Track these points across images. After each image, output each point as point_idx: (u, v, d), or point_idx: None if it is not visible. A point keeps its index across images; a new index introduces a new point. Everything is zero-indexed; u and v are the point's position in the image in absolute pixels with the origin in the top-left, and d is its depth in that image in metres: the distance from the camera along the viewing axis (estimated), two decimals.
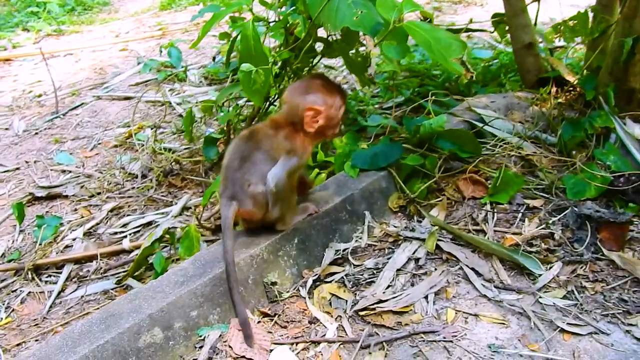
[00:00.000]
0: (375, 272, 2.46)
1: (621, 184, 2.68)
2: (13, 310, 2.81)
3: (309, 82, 2.49)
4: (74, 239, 3.27)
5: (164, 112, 4.69)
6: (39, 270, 3.04)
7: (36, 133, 4.90)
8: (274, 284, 2.38)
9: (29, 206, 3.70)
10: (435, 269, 2.44)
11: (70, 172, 4.11)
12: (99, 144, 4.52)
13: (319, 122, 2.40)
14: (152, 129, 4.40)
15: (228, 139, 3.51)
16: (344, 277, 2.45)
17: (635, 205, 2.63)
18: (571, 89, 3.47)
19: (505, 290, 2.30)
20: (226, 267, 2.22)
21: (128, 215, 3.43)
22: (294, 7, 2.98)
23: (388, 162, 2.87)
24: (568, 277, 2.33)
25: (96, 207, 3.59)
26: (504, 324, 2.15)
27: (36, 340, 2.57)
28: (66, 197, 3.76)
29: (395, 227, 2.72)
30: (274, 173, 2.32)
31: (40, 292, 2.90)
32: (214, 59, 5.75)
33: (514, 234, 2.56)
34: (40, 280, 2.99)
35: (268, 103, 3.40)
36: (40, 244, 3.23)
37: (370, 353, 2.07)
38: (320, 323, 2.24)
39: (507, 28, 3.70)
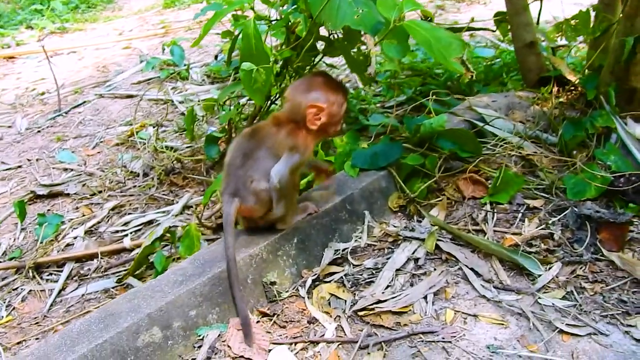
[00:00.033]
0: (374, 272, 2.46)
1: (621, 184, 2.67)
2: (14, 308, 2.81)
3: (311, 80, 2.50)
4: (75, 238, 3.28)
5: (166, 111, 4.70)
6: (40, 268, 3.05)
7: (38, 131, 4.91)
8: (273, 283, 2.38)
9: (30, 204, 3.71)
10: (435, 269, 2.44)
11: (72, 170, 4.12)
12: (101, 142, 4.53)
13: (322, 120, 2.40)
14: (154, 127, 4.41)
15: (229, 138, 3.51)
16: (343, 277, 2.45)
17: (635, 206, 2.62)
18: (572, 88, 3.45)
19: (505, 291, 2.30)
20: (227, 264, 2.23)
21: (129, 213, 3.43)
22: (295, 6, 2.98)
23: (388, 161, 2.87)
24: (567, 278, 2.32)
25: (97, 205, 3.60)
26: (503, 324, 2.14)
27: (37, 339, 2.57)
28: (68, 195, 3.77)
29: (394, 226, 2.72)
30: (277, 169, 2.33)
31: (41, 291, 2.90)
32: (216, 57, 5.75)
33: (513, 234, 2.56)
34: (41, 278, 2.99)
35: (269, 102, 3.40)
36: (41, 242, 3.24)
37: (368, 353, 2.07)
38: (319, 323, 2.24)
39: (509, 27, 3.69)
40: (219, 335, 2.17)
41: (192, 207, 3.35)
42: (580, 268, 2.36)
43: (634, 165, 2.85)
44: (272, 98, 3.38)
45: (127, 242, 3.08)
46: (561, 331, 2.08)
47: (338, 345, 2.13)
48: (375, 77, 4.00)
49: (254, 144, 2.37)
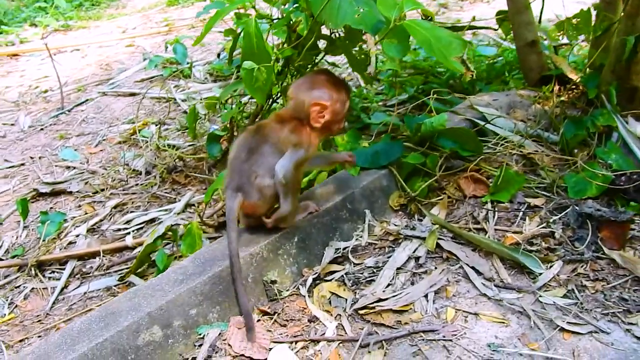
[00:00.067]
0: (375, 270, 2.46)
1: (622, 183, 2.67)
2: (16, 306, 2.83)
3: (314, 78, 2.50)
4: (77, 235, 3.29)
5: (169, 109, 4.70)
6: (42, 266, 3.06)
7: (41, 129, 4.93)
8: (273, 282, 2.38)
9: (33, 202, 3.72)
10: (436, 268, 2.44)
11: (74, 168, 4.13)
12: (104, 140, 4.54)
13: (325, 117, 2.41)
14: (156, 125, 4.42)
15: (231, 136, 3.51)
16: (344, 276, 2.45)
17: (636, 204, 2.62)
18: (574, 87, 3.45)
19: (506, 289, 2.29)
20: (230, 259, 2.23)
21: (131, 211, 3.44)
22: (296, 5, 2.98)
23: (389, 160, 2.87)
24: (568, 276, 2.32)
25: (100, 203, 3.61)
26: (503, 322, 2.14)
27: (39, 337, 2.58)
28: (70, 193, 3.78)
29: (395, 225, 2.72)
30: (282, 164, 2.33)
31: (43, 288, 2.92)
32: (218, 55, 5.76)
33: (514, 232, 2.55)
34: (43, 276, 3.00)
35: (271, 100, 3.40)
36: (43, 240, 3.26)
37: (369, 352, 2.07)
38: (320, 322, 2.24)
39: (511, 25, 3.68)
40: (220, 334, 2.17)
41: (194, 205, 3.36)
42: (581, 266, 2.36)
43: (635, 163, 2.84)
44: (273, 97, 3.38)
45: (129, 240, 3.09)
46: (562, 329, 2.07)
47: (339, 344, 2.13)
48: (377, 76, 4.00)
49: (259, 139, 2.38)
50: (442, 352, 2.04)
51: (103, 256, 3.05)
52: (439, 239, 2.56)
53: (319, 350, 2.10)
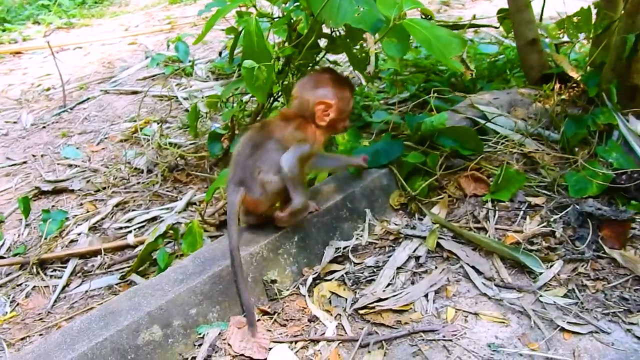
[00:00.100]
0: (375, 270, 2.46)
1: (623, 182, 2.66)
2: (18, 304, 2.84)
3: (318, 77, 2.51)
4: (79, 234, 3.30)
5: (170, 107, 4.70)
6: (44, 264, 3.07)
7: (44, 127, 4.94)
8: (273, 282, 2.38)
9: (35, 200, 3.73)
10: (436, 267, 2.44)
11: (76, 166, 4.13)
12: (106, 138, 4.54)
13: (330, 116, 2.43)
14: (158, 123, 4.43)
15: (232, 135, 3.52)
16: (344, 275, 2.45)
17: (637, 203, 2.61)
18: (575, 85, 3.45)
19: (506, 289, 2.29)
20: (230, 252, 2.24)
21: (133, 210, 3.45)
22: (297, 4, 2.98)
23: (389, 159, 2.87)
24: (569, 276, 2.31)
25: (102, 201, 3.61)
26: (504, 322, 2.14)
27: (40, 335, 2.60)
28: (72, 191, 3.79)
29: (396, 224, 2.72)
30: (286, 158, 2.32)
31: (45, 287, 2.92)
32: (220, 53, 5.75)
33: (515, 231, 2.55)
34: (45, 274, 3.01)
35: (272, 99, 3.40)
36: (45, 238, 3.27)
37: (369, 352, 2.07)
38: (320, 321, 2.24)
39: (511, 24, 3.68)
40: (220, 333, 2.18)
41: (195, 204, 3.36)
42: (582, 266, 2.36)
43: (636, 162, 2.83)
44: (274, 95, 3.38)
45: (130, 239, 3.10)
46: (562, 329, 2.07)
47: (338, 343, 2.13)
48: (378, 74, 4.00)
49: (263, 135, 2.39)
50: (442, 352, 2.04)
51: (104, 254, 3.06)
52: (439, 238, 2.56)
53: (319, 350, 2.10)
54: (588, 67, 3.41)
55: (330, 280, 2.44)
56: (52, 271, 3.04)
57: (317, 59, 3.31)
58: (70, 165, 4.17)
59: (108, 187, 3.74)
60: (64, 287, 2.90)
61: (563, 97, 3.40)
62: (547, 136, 3.17)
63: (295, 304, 2.33)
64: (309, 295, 2.36)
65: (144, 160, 3.95)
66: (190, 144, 4.08)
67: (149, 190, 3.61)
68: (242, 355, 2.09)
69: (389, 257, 2.51)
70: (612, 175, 2.69)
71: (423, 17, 2.86)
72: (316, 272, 2.45)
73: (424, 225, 2.66)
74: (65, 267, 3.02)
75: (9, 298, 2.88)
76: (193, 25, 7.55)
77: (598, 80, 3.20)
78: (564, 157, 3.00)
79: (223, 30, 4.11)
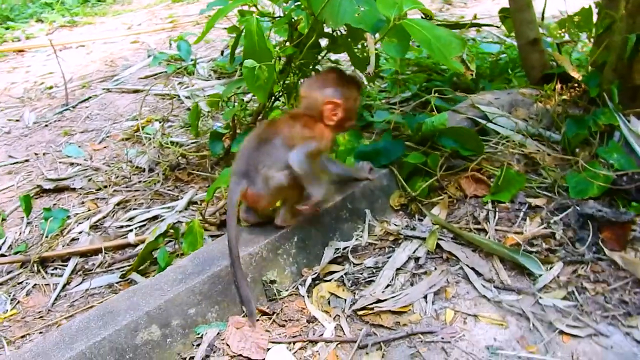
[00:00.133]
0: (374, 271, 2.45)
1: (624, 183, 2.64)
2: (18, 302, 2.84)
3: (325, 76, 2.52)
4: (80, 232, 3.30)
5: (172, 106, 4.70)
6: (45, 262, 3.07)
7: (46, 125, 4.94)
8: (273, 282, 2.38)
9: (36, 198, 3.74)
10: (435, 269, 2.43)
11: (78, 164, 4.14)
12: (108, 137, 4.55)
13: (338, 115, 2.43)
14: (160, 122, 4.43)
15: (234, 134, 3.51)
16: (344, 276, 2.45)
17: (638, 205, 2.59)
18: (576, 85, 3.43)
19: (505, 291, 2.28)
20: (229, 243, 2.24)
21: (134, 209, 3.45)
22: (297, 3, 2.97)
23: (390, 159, 2.86)
24: (569, 278, 2.30)
25: (103, 200, 3.62)
26: (502, 325, 2.13)
27: (40, 333, 2.60)
28: (74, 189, 3.79)
29: (396, 225, 2.71)
30: (294, 155, 2.31)
31: (45, 285, 2.93)
32: (222, 52, 5.75)
33: (515, 233, 2.54)
34: (46, 272, 3.01)
35: (273, 98, 3.40)
36: (46, 237, 3.28)
37: (367, 353, 2.07)
38: (319, 322, 2.24)
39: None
40: (218, 333, 2.18)
41: (196, 203, 3.36)
42: (582, 268, 2.34)
43: (637, 163, 2.81)
44: (275, 95, 3.37)
45: (131, 238, 3.10)
46: (561, 332, 2.07)
47: (337, 344, 2.13)
48: (379, 74, 3.99)
49: (271, 131, 2.39)
50: (440, 354, 2.04)
51: (105, 253, 3.06)
52: (439, 239, 2.55)
53: (317, 351, 2.10)
54: (589, 67, 3.39)
55: (330, 281, 2.44)
56: (52, 269, 3.04)
57: (318, 58, 3.30)
58: (72, 164, 4.17)
59: (109, 185, 3.74)
60: (64, 286, 2.90)
61: (564, 97, 3.39)
62: (548, 137, 3.16)
63: (294, 305, 2.33)
64: (308, 296, 2.36)
65: (146, 159, 3.95)
66: (192, 143, 4.08)
67: (150, 189, 3.61)
68: (240, 355, 2.09)
69: (388, 258, 2.51)
70: (613, 176, 2.67)
71: (423, 17, 2.86)
72: (315, 273, 2.45)
73: (424, 226, 2.66)
74: (66, 266, 3.02)
75: (9, 296, 2.88)
76: (195, 24, 7.56)
77: (599, 80, 3.19)
78: (564, 158, 2.98)
79: (225, 29, 4.12)
